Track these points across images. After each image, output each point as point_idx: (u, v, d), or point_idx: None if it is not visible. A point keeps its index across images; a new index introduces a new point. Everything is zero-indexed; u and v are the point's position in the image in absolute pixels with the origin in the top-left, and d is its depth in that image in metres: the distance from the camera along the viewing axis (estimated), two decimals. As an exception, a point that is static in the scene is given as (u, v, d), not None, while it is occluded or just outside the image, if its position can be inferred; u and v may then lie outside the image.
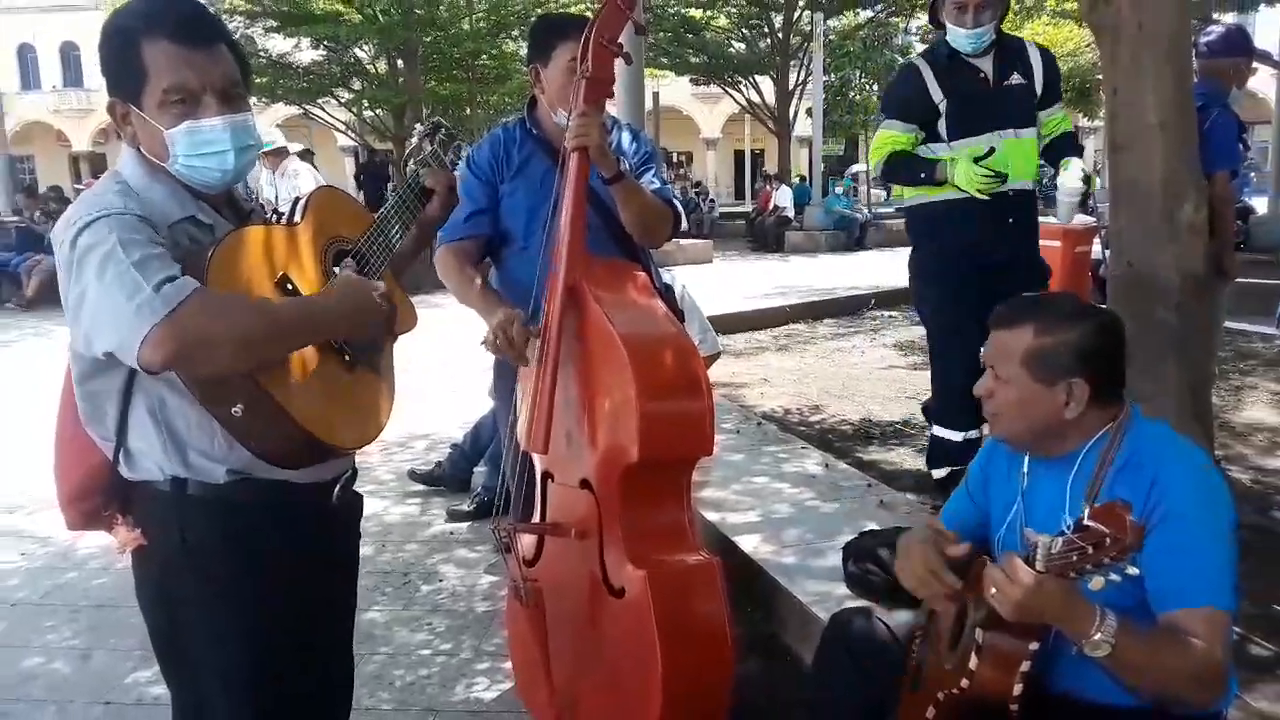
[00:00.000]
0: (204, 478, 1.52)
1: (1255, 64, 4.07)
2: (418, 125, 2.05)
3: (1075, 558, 1.33)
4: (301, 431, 1.48)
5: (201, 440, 1.51)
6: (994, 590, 1.43)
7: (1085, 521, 1.32)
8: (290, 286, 1.56)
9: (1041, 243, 9.24)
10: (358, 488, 1.80)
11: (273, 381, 1.46)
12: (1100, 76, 20.46)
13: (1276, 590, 2.61)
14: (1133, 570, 1.30)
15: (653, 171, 2.61)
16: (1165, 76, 2.88)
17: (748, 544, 2.83)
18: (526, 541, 2.41)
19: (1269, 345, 6.03)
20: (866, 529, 2.71)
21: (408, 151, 2.04)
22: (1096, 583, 1.33)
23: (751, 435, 4.11)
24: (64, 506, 1.64)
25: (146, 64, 1.46)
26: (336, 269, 1.67)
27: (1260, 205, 10.56)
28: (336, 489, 1.70)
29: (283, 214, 1.75)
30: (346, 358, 1.61)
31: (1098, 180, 19.77)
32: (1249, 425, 4.44)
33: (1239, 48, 3.88)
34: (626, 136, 2.59)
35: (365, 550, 3.72)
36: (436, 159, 1.95)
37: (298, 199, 1.77)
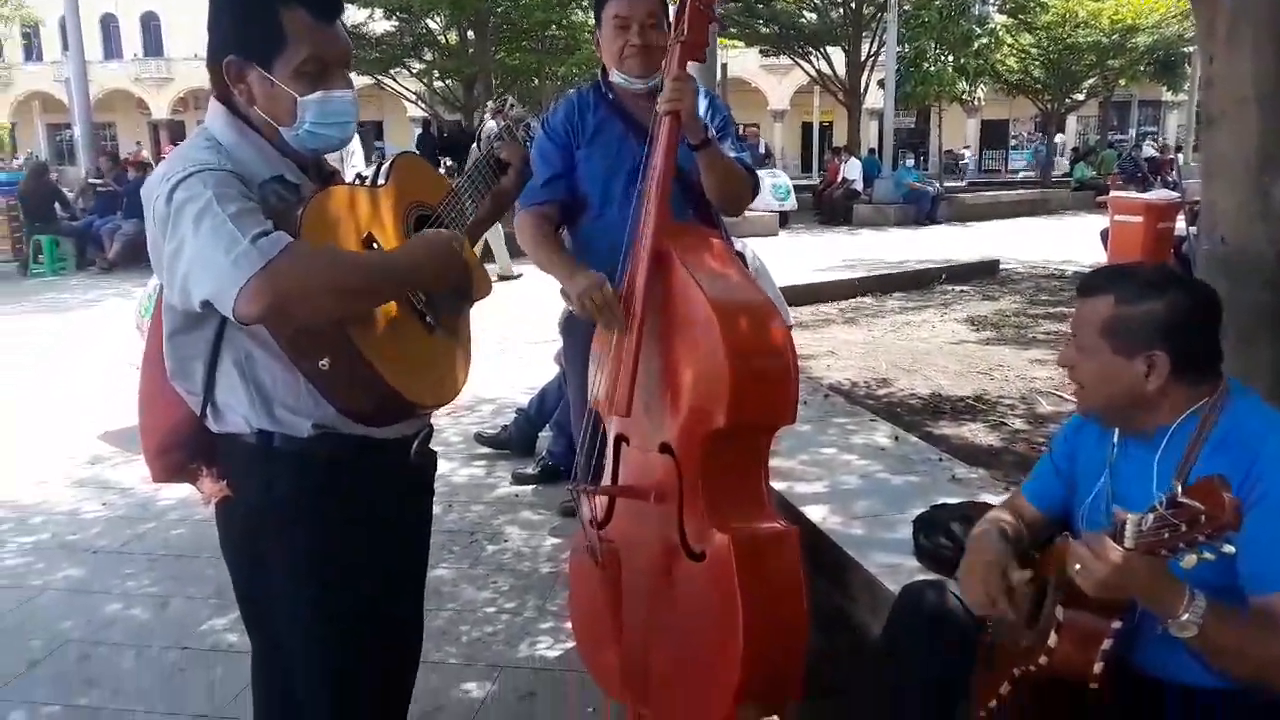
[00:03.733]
0: (290, 431, 1.55)
1: None
2: (489, 102, 2.07)
3: (1167, 535, 1.28)
4: (386, 387, 1.50)
5: (287, 394, 1.53)
6: (1079, 566, 1.39)
7: (1179, 498, 1.27)
8: (375, 246, 1.59)
9: (1122, 218, 9.15)
10: (435, 449, 1.83)
11: (360, 336, 1.48)
12: (1187, 49, 19.75)
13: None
14: (1229, 549, 1.24)
15: (730, 139, 2.59)
16: (1263, 47, 2.75)
17: (815, 514, 2.80)
18: (598, 504, 2.42)
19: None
20: (938, 502, 2.67)
21: (477, 128, 2.06)
22: (1188, 561, 1.28)
23: (819, 406, 4.06)
24: (150, 460, 1.68)
25: (286, 31, 1.50)
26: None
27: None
28: (415, 445, 1.73)
29: (366, 177, 1.78)
30: (428, 319, 1.64)
31: (1181, 156, 19.11)
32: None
33: None
34: (703, 103, 2.56)
35: (434, 509, 3.79)
36: (509, 132, 1.97)
37: (381, 162, 1.79)
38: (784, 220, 15.80)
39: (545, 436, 4.43)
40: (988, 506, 2.55)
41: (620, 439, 2.41)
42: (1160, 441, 1.63)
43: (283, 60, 1.51)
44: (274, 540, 1.61)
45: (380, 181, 1.70)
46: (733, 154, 2.54)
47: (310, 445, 1.56)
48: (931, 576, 2.31)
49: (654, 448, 2.27)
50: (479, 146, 2.26)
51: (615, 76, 2.52)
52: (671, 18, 2.27)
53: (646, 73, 2.48)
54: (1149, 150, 22.87)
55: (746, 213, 3.27)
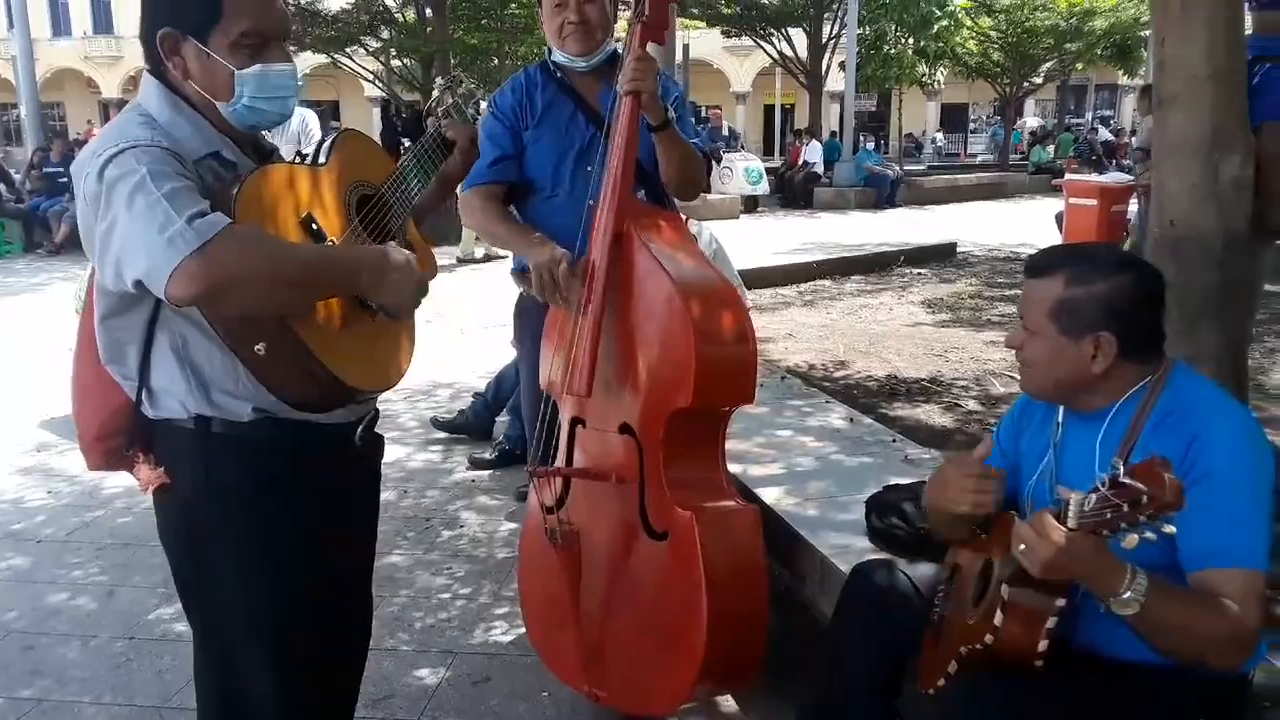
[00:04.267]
0: (229, 415, 1.51)
1: None
2: (438, 79, 2.03)
3: (1109, 515, 1.29)
4: (325, 373, 1.47)
5: (225, 379, 1.50)
6: (1023, 546, 1.40)
7: (1121, 478, 1.28)
8: (315, 227, 1.54)
9: (1077, 201, 9.25)
10: (382, 434, 1.80)
11: (297, 321, 1.45)
12: (1143, 33, 19.93)
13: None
14: (1169, 529, 1.25)
15: (685, 121, 2.56)
16: (1216, 26, 2.76)
17: (769, 496, 2.81)
18: (553, 485, 2.40)
19: (1307, 309, 5.90)
20: (890, 483, 2.68)
21: (428, 105, 2.02)
22: (1130, 541, 1.29)
23: (775, 389, 4.07)
24: (85, 448, 1.64)
25: (224, 3, 1.46)
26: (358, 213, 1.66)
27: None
28: (359, 430, 1.70)
29: (306, 155, 1.73)
30: (370, 302, 1.60)
31: (1134, 139, 19.38)
32: (1283, 389, 4.36)
33: None
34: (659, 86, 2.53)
35: (388, 495, 3.76)
36: (458, 110, 1.93)
37: (323, 139, 1.75)
38: (754, 204, 15.78)
39: (503, 421, 4.41)
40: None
41: (575, 421, 2.40)
42: (1104, 420, 1.64)
43: (219, 32, 1.47)
44: (214, 526, 1.57)
45: (322, 160, 1.65)
46: (694, 138, 2.53)
47: (250, 430, 1.52)
48: (882, 556, 2.32)
49: (613, 428, 2.26)
50: (428, 124, 2.21)
51: (557, 55, 2.49)
52: None
53: (587, 50, 2.45)
54: (1104, 134, 23.16)
55: (709, 196, 3.25)
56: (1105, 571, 1.38)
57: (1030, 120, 33.15)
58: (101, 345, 1.53)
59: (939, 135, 36.64)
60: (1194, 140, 2.85)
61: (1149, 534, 1.27)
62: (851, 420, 3.57)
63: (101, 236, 1.36)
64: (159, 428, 1.55)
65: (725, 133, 20.59)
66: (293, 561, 1.60)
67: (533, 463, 2.38)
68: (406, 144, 1.93)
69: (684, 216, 3.43)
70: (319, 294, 1.48)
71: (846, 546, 2.43)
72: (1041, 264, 1.65)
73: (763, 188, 16.11)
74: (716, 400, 2.19)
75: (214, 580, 1.59)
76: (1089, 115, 33.25)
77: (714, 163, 16.16)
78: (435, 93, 2.01)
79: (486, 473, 4.08)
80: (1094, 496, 1.32)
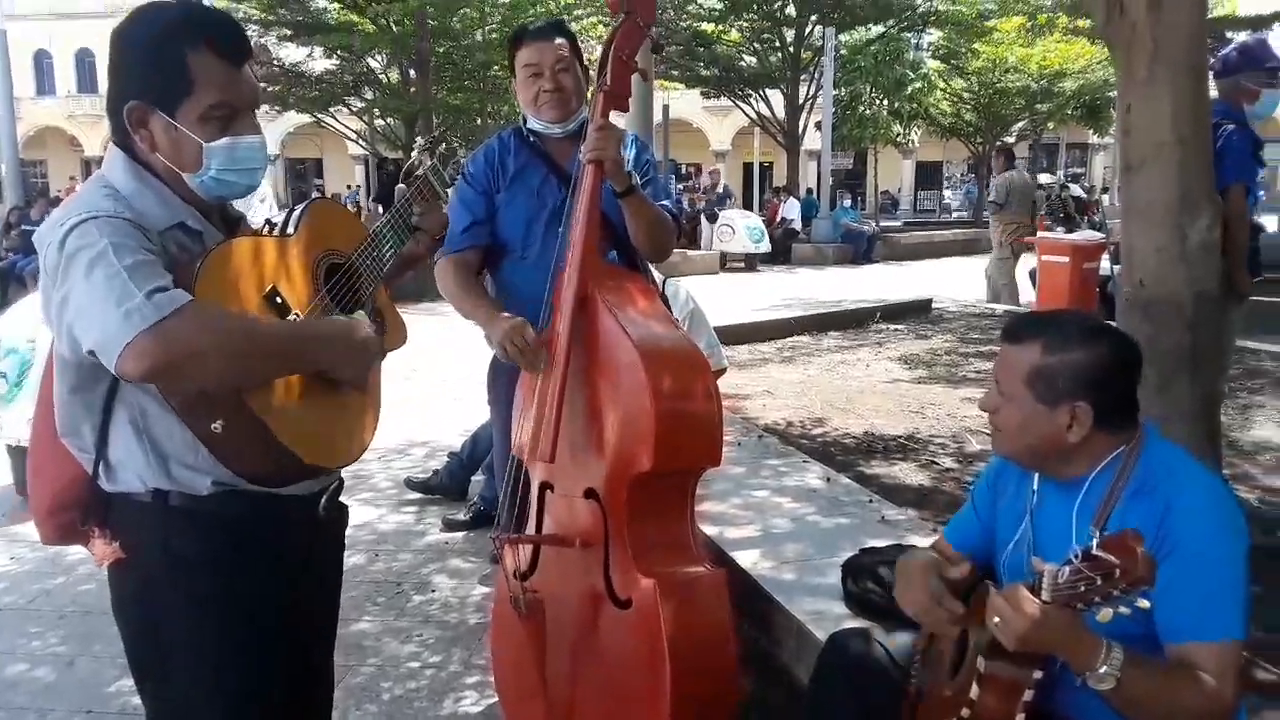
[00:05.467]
0: (187, 489, 1.48)
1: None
2: (418, 139, 2.03)
3: (1083, 588, 1.27)
4: (283, 450, 1.44)
5: (185, 452, 1.47)
6: (997, 619, 1.37)
7: (1094, 551, 1.27)
8: (279, 300, 1.53)
9: (1049, 258, 9.39)
10: (354, 496, 1.77)
11: (255, 398, 1.42)
12: (1112, 94, 20.48)
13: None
14: (1144, 604, 1.24)
15: (655, 185, 2.59)
16: (1181, 91, 2.81)
17: (746, 559, 2.77)
18: (522, 554, 2.37)
19: (1279, 364, 5.96)
20: (867, 545, 2.66)
21: (408, 165, 2.02)
22: (1104, 615, 1.27)
23: (753, 448, 4.05)
24: (40, 520, 1.60)
25: (193, 76, 1.44)
26: (327, 283, 1.64)
27: (1271, 224, 10.48)
28: (323, 500, 1.67)
29: (275, 225, 1.72)
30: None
31: (1106, 198, 19.77)
32: (1257, 444, 4.37)
33: (1255, 61, 3.81)
34: (630, 151, 2.56)
35: (358, 559, 3.69)
36: (436, 173, 1.92)
37: (292, 210, 1.74)
38: (753, 262, 15.87)
39: (478, 480, 4.34)
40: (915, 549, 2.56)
41: (544, 486, 2.37)
42: (1080, 489, 1.62)
43: (189, 106, 1.46)
44: (172, 601, 1.52)
45: (290, 230, 1.64)
46: (664, 201, 2.55)
47: (209, 503, 1.49)
48: (859, 624, 2.29)
49: (579, 493, 2.24)
50: (408, 185, 2.21)
51: (534, 123, 2.52)
52: (592, 61, 2.28)
53: (564, 117, 2.49)
54: (1075, 191, 23.58)
55: (689, 253, 3.27)
56: (1080, 645, 1.36)
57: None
58: (59, 418, 1.50)
59: (927, 194, 37.13)
60: (1160, 204, 2.89)
61: (1123, 608, 1.25)
62: (828, 480, 3.55)
63: (59, 305, 1.34)
64: (116, 501, 1.51)
65: (721, 190, 20.73)
66: (253, 636, 1.55)
67: (497, 529, 2.34)
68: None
69: (661, 276, 3.45)
70: (279, 371, 1.47)
71: (823, 612, 2.39)
72: (1018, 329, 1.64)
73: (764, 245, 16.09)
74: (680, 463, 2.17)
75: (171, 656, 1.54)
76: (1060, 173, 33.91)
77: (707, 220, 16.32)
78: (415, 153, 2.02)
79: (460, 534, 4.01)
80: (1067, 569, 1.31)
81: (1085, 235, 9.81)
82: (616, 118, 2.29)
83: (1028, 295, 9.79)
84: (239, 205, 1.79)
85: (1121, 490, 1.58)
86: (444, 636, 3.14)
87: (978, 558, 1.87)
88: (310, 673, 1.73)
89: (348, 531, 1.84)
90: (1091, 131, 28.05)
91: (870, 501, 3.28)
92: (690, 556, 2.22)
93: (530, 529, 2.39)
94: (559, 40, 2.48)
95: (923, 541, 2.80)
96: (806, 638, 2.31)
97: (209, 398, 1.40)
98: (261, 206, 7.15)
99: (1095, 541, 1.28)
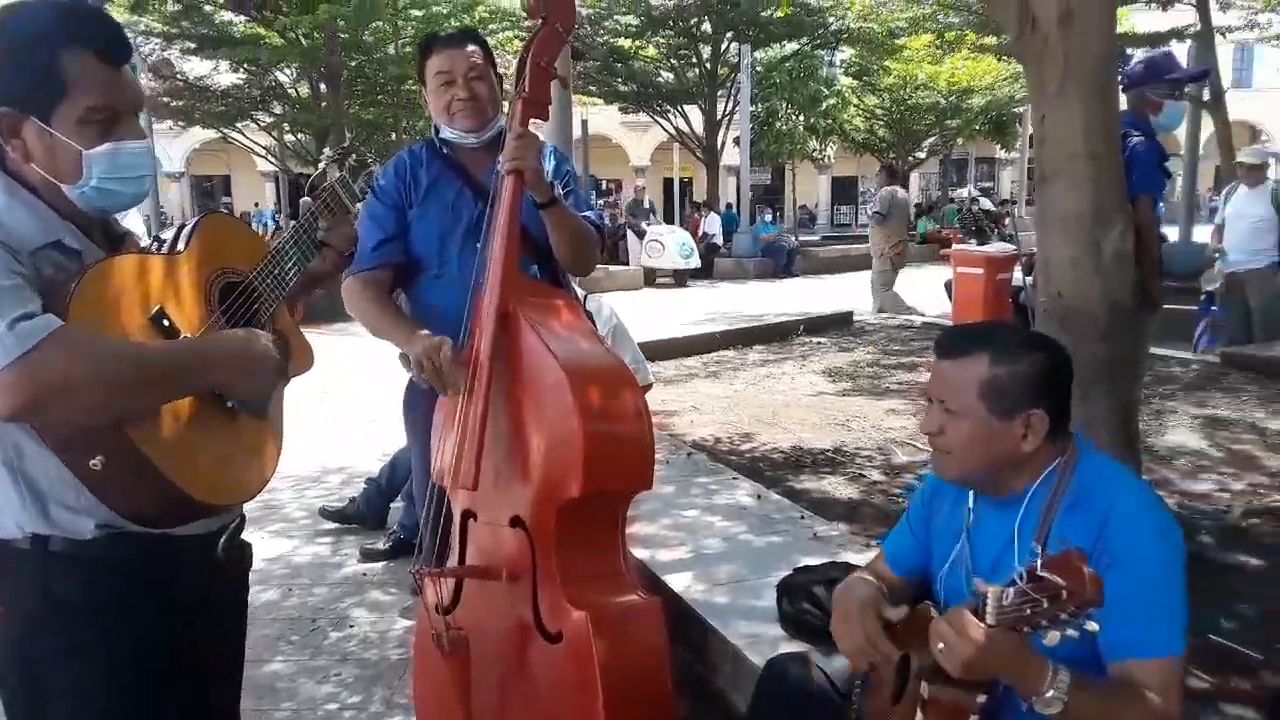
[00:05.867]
0: (69, 533, 1.36)
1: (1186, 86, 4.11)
2: (326, 150, 1.92)
3: (1028, 611, 1.22)
4: (171, 488, 1.33)
5: (64, 492, 1.34)
6: (941, 645, 1.32)
7: (1039, 572, 1.22)
8: (167, 323, 1.41)
9: (964, 270, 9.61)
10: (265, 528, 1.66)
11: (139, 431, 1.30)
12: (1018, 109, 21.13)
13: (1210, 619, 2.58)
14: (1092, 626, 1.19)
15: (576, 196, 2.51)
16: (1093, 104, 2.86)
17: (678, 583, 2.70)
18: (444, 587, 2.25)
19: (1186, 370, 6.15)
20: (801, 564, 2.61)
21: (314, 176, 1.90)
22: (1052, 638, 1.22)
23: (682, 466, 3.99)
24: None
25: (68, 77, 1.33)
26: (222, 304, 1.53)
27: (1171, 234, 10.92)
28: (222, 541, 1.55)
29: (163, 241, 1.59)
30: (229, 404, 1.46)
31: (1015, 210, 20.40)
32: (1172, 449, 4.48)
33: (1159, 73, 3.93)
34: (550, 161, 2.47)
35: (270, 595, 3.51)
36: (345, 186, 1.82)
37: (183, 225, 1.61)
38: (682, 278, 15.81)
39: (397, 507, 4.18)
40: (850, 567, 2.51)
41: (467, 514, 2.27)
42: (1019, 505, 1.60)
43: (64, 110, 1.34)
44: (54, 654, 1.40)
45: (180, 247, 1.52)
46: (586, 212, 2.47)
47: (93, 548, 1.37)
48: (796, 648, 2.23)
49: (504, 521, 2.15)
50: (313, 198, 2.08)
51: (447, 133, 2.43)
52: (508, 73, 2.21)
53: (479, 126, 2.40)
54: (985, 204, 24.31)
55: (610, 268, 3.19)
56: (1027, 669, 1.32)
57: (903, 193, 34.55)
58: None
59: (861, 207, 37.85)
60: (1074, 215, 2.92)
61: (1071, 630, 1.21)
62: (759, 497, 3.50)
63: None
64: None
65: (647, 205, 20.60)
66: (141, 678, 1.44)
67: (417, 562, 2.23)
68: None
69: (583, 292, 3.37)
70: (168, 395, 1.35)
71: (758, 635, 2.33)
72: (957, 344, 1.60)
73: (694, 260, 16.07)
74: (610, 488, 2.09)
75: (54, 707, 1.41)
76: (970, 187, 34.94)
77: (635, 236, 16.27)
78: (322, 164, 1.91)
79: (379, 565, 3.84)
80: (1011, 591, 1.26)
81: (999, 247, 10.07)
82: (536, 127, 2.22)
83: (926, 305, 10.03)
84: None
85: (1059, 503, 1.56)
86: (364, 675, 2.99)
87: (915, 577, 1.84)
88: (211, 715, 1.61)
89: (258, 565, 1.74)
90: (999, 146, 28.98)
91: (802, 518, 3.24)
92: (622, 584, 2.14)
93: (453, 561, 2.28)
94: (471, 47, 2.39)
95: (856, 558, 2.77)
96: (743, 663, 2.24)
97: (87, 431, 1.28)
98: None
99: (1039, 561, 1.24)
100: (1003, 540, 1.61)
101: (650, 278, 15.75)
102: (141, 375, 1.29)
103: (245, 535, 1.64)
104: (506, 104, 2.42)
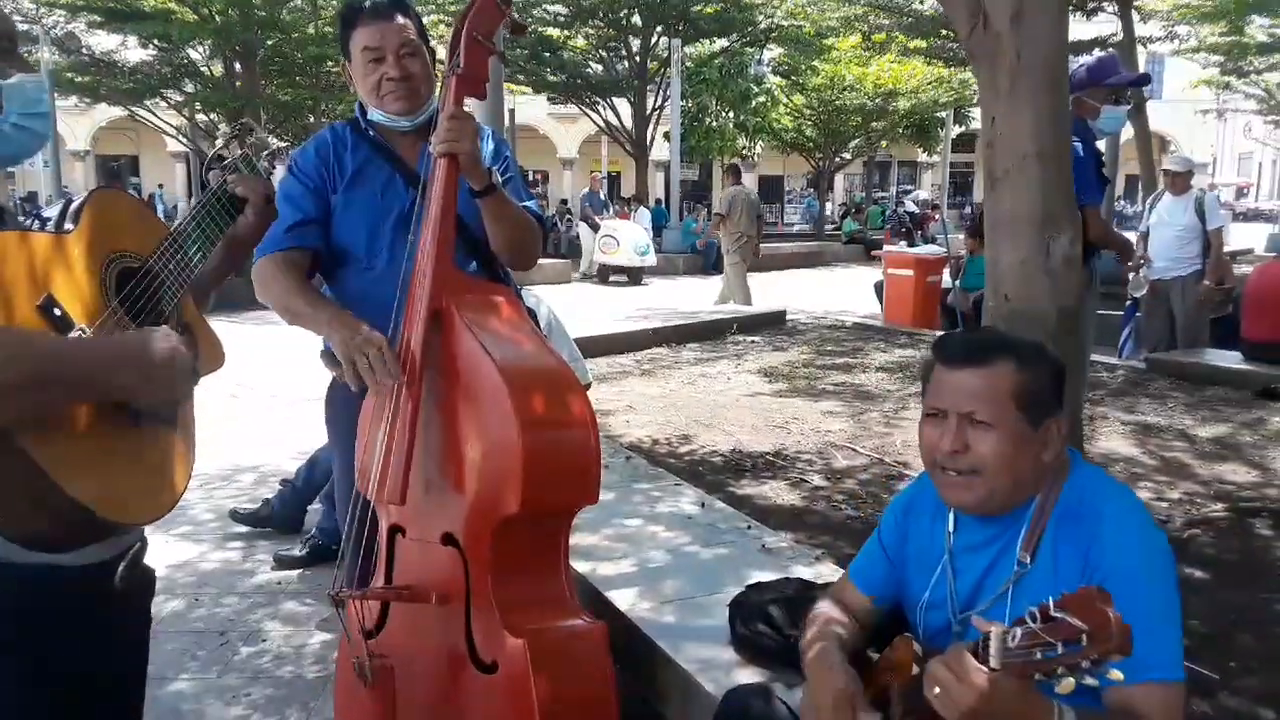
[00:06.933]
0: None
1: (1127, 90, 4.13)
2: (222, 126, 1.72)
3: (1039, 655, 1.09)
4: (70, 504, 1.14)
5: None
6: (938, 690, 1.19)
7: (1053, 612, 1.09)
8: (59, 312, 1.22)
9: (895, 271, 9.67)
10: (170, 531, 1.48)
11: (30, 440, 1.11)
12: (941, 114, 21.51)
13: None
14: (1116, 675, 1.07)
15: (516, 184, 2.33)
16: (1043, 102, 2.80)
17: (622, 600, 2.53)
18: (368, 609, 2.06)
19: (1113, 375, 6.22)
20: (752, 580, 2.47)
21: (209, 156, 1.70)
22: (1066, 686, 1.08)
23: (621, 470, 3.83)
24: None
25: None
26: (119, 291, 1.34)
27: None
28: (121, 568, 1.36)
29: (48, 219, 1.40)
30: (130, 410, 1.27)
31: (939, 214, 20.78)
32: (1105, 455, 4.48)
33: (1098, 77, 3.93)
34: (488, 145, 2.28)
35: (175, 606, 3.25)
36: (248, 163, 1.62)
37: (69, 201, 1.41)
38: (637, 276, 15.62)
39: (315, 510, 3.94)
40: (805, 585, 2.39)
41: (395, 530, 2.07)
42: (1004, 523, 1.49)
43: None
44: None
45: (68, 226, 1.32)
46: (527, 201, 2.30)
47: None
48: (752, 674, 2.09)
49: (435, 538, 1.98)
50: (209, 179, 1.85)
51: (375, 115, 2.20)
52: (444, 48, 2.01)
53: (412, 109, 2.18)
54: (910, 206, 24.74)
55: (541, 261, 3.01)
56: (1034, 713, 1.19)
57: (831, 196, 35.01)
58: None
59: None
60: (1024, 217, 2.87)
61: (1090, 679, 1.08)
62: (703, 505, 3.36)
63: None
64: None
65: (603, 198, 20.09)
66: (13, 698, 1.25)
67: (338, 581, 2.03)
68: None
69: (518, 287, 3.18)
70: (60, 402, 1.17)
71: (710, 660, 2.18)
72: (977, 350, 1.47)
73: (650, 258, 15.85)
74: (551, 503, 1.94)
75: None
76: (893, 189, 35.57)
77: (589, 228, 16.01)
78: (220, 142, 1.70)
79: (295, 573, 3.60)
80: (1020, 631, 1.13)
81: (928, 249, 10.19)
82: (471, 108, 2.03)
83: (855, 306, 10.13)
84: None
85: (1049, 513, 1.47)
86: (277, 695, 2.76)
87: (887, 601, 1.72)
88: None
89: (161, 573, 1.54)
90: (921, 150, 29.53)
91: (749, 528, 3.11)
92: (564, 608, 1.97)
93: (379, 581, 2.08)
94: (402, 19, 2.13)
95: (807, 572, 2.65)
96: (695, 690, 2.09)
97: None
98: None
99: (1052, 600, 1.11)
100: (988, 563, 1.50)
101: (604, 274, 15.57)
102: (32, 375, 1.11)
103: (146, 536, 1.45)
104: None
